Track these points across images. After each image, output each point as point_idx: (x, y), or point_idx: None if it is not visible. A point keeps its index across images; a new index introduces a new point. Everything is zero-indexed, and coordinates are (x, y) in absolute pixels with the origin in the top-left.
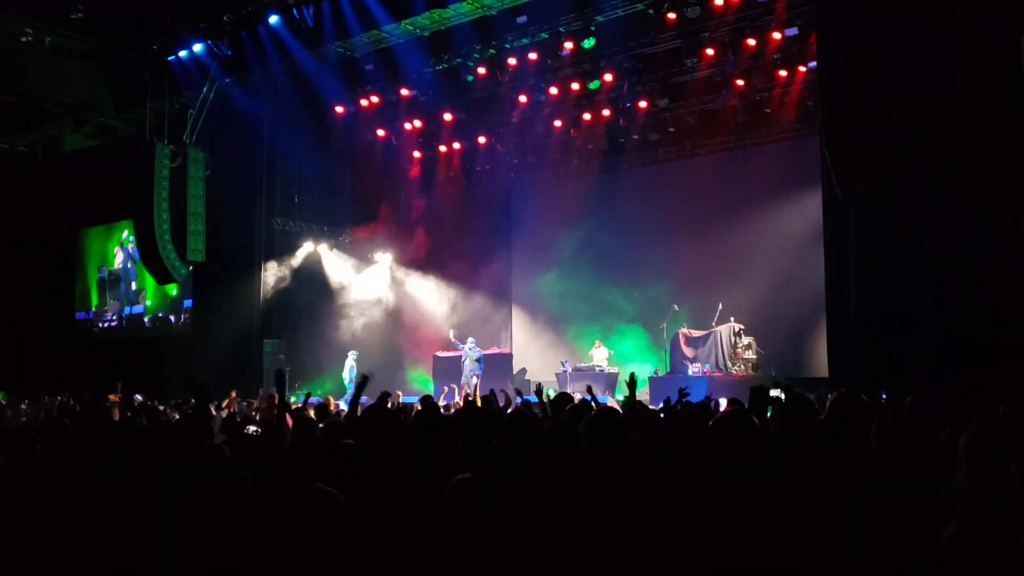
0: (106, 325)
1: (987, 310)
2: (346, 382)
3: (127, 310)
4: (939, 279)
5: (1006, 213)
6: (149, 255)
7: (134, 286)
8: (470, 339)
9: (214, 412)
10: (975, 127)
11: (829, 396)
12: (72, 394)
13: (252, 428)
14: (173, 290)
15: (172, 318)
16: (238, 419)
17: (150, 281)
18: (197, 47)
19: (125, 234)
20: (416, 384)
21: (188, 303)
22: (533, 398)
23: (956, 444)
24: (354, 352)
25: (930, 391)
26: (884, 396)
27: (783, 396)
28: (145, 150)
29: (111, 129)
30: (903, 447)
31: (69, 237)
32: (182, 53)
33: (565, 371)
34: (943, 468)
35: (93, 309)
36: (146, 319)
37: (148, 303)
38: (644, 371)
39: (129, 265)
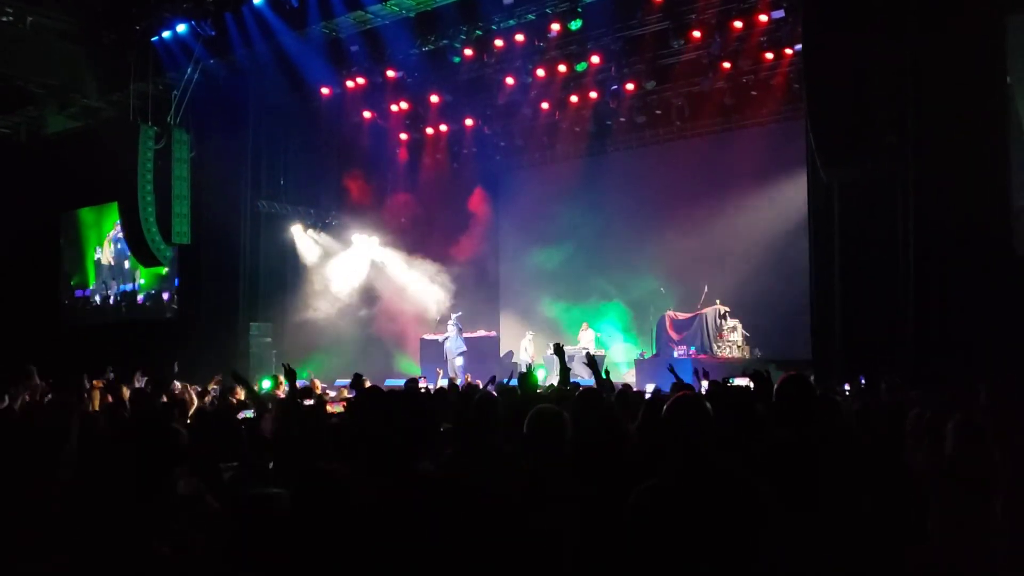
0: (102, 304)
1: (969, 294)
2: (524, 365)
3: (122, 288)
4: (922, 263)
5: (988, 197)
6: (134, 238)
7: (127, 265)
8: (453, 315)
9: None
10: (959, 111)
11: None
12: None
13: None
14: (163, 270)
15: (164, 296)
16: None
17: None
18: (181, 28)
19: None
20: (403, 368)
21: (177, 283)
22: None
23: (932, 427)
24: (531, 332)
25: (911, 375)
26: (863, 381)
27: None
28: (129, 132)
29: (94, 111)
30: (876, 429)
31: (52, 220)
32: (166, 34)
33: (552, 354)
34: (912, 448)
35: (91, 288)
36: (140, 297)
37: (142, 282)
38: (630, 353)
39: (121, 245)
